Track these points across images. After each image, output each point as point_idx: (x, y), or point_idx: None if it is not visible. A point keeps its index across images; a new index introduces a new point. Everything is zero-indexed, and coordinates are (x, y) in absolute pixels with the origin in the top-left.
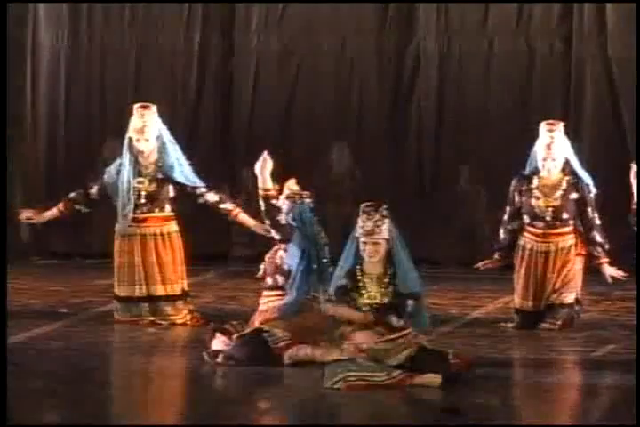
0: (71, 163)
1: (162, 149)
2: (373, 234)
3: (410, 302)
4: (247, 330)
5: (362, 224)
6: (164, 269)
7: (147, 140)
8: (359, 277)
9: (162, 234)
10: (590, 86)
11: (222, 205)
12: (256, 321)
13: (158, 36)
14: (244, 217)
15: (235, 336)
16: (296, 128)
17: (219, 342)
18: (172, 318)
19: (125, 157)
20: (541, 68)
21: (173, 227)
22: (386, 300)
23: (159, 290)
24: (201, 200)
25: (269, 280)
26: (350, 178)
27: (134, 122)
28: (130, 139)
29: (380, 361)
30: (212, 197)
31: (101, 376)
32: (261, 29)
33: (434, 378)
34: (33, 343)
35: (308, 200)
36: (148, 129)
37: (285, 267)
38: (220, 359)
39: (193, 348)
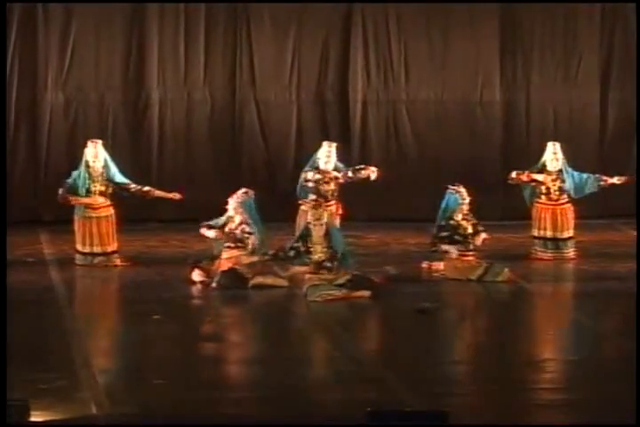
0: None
1: (106, 165)
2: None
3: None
4: (226, 268)
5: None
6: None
7: (98, 161)
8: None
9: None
10: None
11: (145, 188)
12: (227, 264)
13: None
14: (159, 192)
15: (219, 271)
16: None
17: (197, 275)
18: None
19: (84, 170)
20: None
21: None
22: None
23: (108, 248)
24: (133, 190)
25: (230, 244)
26: None
27: (90, 150)
28: (87, 161)
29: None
30: (135, 187)
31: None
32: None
33: (365, 292)
34: None
35: (252, 195)
36: (98, 156)
37: (238, 237)
38: (213, 284)
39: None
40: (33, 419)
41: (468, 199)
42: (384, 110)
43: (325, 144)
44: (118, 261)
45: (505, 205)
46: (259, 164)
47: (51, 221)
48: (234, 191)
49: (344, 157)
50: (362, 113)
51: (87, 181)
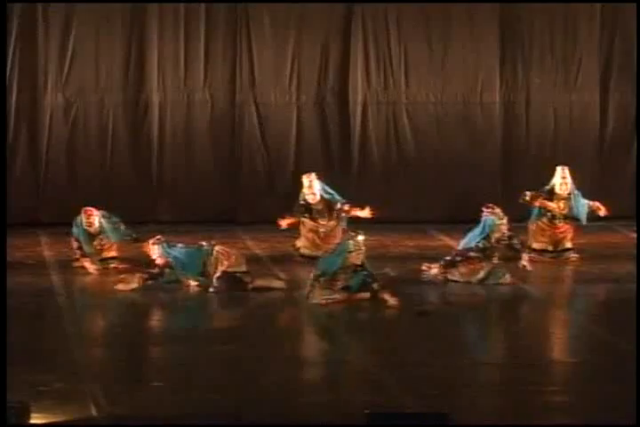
0: None
1: (103, 231)
2: None
3: None
4: (219, 273)
5: None
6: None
7: (93, 228)
8: None
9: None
10: None
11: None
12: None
13: None
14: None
15: (215, 276)
16: None
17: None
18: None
19: (81, 233)
20: None
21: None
22: None
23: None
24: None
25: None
26: None
27: (83, 220)
28: (85, 229)
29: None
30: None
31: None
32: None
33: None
34: None
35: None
36: (94, 224)
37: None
38: (211, 289)
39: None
40: (33, 421)
41: (505, 218)
42: (384, 112)
43: (304, 177)
44: (116, 263)
45: (504, 207)
46: (259, 165)
47: (50, 223)
48: (233, 190)
49: (343, 159)
50: (362, 115)
51: (88, 240)
